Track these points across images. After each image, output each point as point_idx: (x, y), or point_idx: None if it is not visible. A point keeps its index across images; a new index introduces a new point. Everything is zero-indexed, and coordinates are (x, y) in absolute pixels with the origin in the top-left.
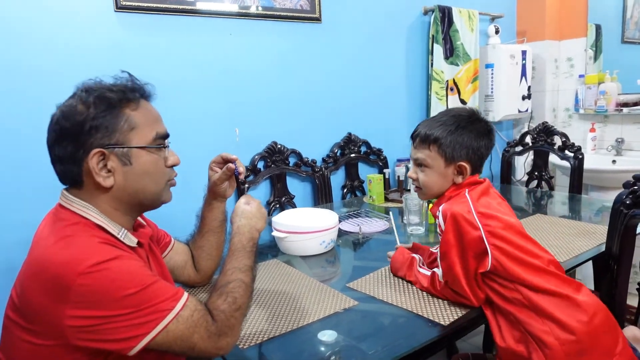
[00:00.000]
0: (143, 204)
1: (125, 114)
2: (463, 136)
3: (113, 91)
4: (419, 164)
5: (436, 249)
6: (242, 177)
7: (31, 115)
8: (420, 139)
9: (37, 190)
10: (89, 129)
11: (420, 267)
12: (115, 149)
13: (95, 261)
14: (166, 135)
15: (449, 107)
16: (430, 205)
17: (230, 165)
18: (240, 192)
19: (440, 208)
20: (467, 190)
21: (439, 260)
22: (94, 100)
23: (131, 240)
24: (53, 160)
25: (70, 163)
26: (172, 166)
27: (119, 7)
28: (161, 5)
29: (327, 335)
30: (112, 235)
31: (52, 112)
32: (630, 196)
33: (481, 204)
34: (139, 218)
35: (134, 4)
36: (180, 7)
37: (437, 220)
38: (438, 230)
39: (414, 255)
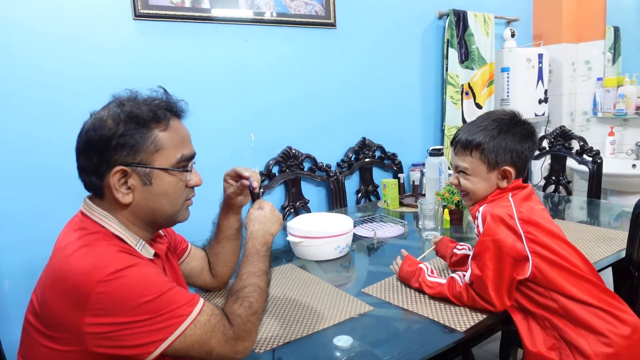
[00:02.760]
0: (158, 222)
1: (153, 135)
2: (506, 140)
3: (144, 109)
4: (460, 170)
5: (461, 249)
6: (256, 190)
7: (54, 122)
8: (461, 145)
9: (61, 195)
10: (115, 145)
11: (429, 275)
12: (138, 168)
13: (113, 269)
14: (191, 157)
15: (464, 111)
16: (447, 209)
17: (244, 181)
18: (254, 199)
19: (481, 209)
20: (510, 194)
21: (470, 260)
22: (124, 117)
23: (148, 252)
24: (78, 168)
25: (93, 175)
26: (193, 187)
27: (138, 15)
28: (178, 13)
29: (343, 341)
30: (130, 247)
31: (85, 120)
32: None
33: (524, 209)
34: None
35: (151, 12)
36: (197, 14)
37: (475, 221)
38: (476, 231)
39: (421, 265)
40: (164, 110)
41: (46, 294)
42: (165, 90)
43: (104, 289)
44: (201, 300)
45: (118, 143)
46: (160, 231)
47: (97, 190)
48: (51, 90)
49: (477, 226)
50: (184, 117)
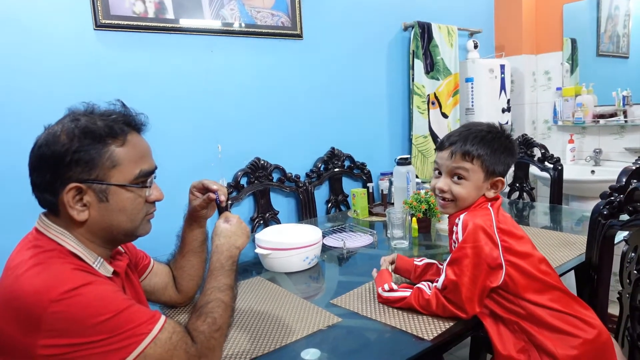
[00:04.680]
0: (117, 238)
1: (109, 150)
2: (503, 153)
3: (100, 124)
4: (456, 175)
5: (421, 261)
6: (223, 204)
7: (8, 134)
8: (462, 152)
9: (13, 212)
10: (69, 161)
11: (389, 290)
12: (93, 185)
13: (67, 288)
14: (151, 172)
15: (431, 120)
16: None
17: (211, 194)
18: (220, 212)
19: (461, 217)
20: (489, 203)
21: (445, 265)
22: (79, 133)
23: (107, 269)
24: (32, 184)
25: (46, 192)
26: (154, 202)
27: (99, 26)
28: (141, 23)
29: (311, 354)
30: (87, 264)
31: (39, 134)
32: (607, 207)
33: (500, 220)
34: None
35: (113, 22)
36: (161, 24)
37: (455, 227)
38: (454, 237)
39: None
40: (122, 125)
41: None
42: (123, 104)
43: (57, 309)
44: (162, 318)
45: (72, 159)
46: (120, 247)
47: (52, 207)
48: (4, 101)
49: (456, 233)
50: (143, 130)
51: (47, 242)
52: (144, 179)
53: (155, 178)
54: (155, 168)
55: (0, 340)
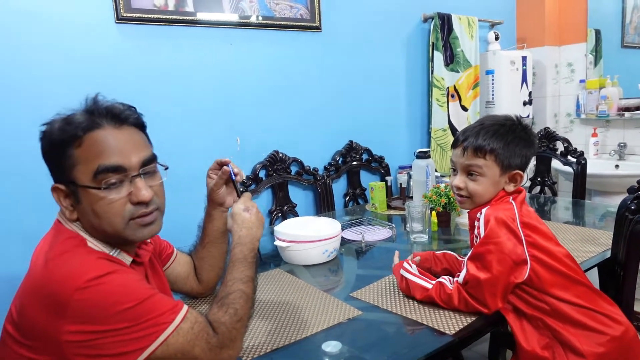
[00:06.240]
0: (110, 239)
1: (68, 152)
2: (519, 145)
3: (56, 127)
4: (470, 172)
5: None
6: (238, 178)
7: (29, 126)
8: (473, 148)
9: (40, 203)
10: (47, 164)
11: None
12: (68, 185)
13: (91, 276)
14: (115, 168)
15: (450, 113)
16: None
17: (225, 168)
18: (238, 194)
19: (483, 211)
20: (511, 197)
21: (466, 260)
22: (44, 137)
23: (125, 258)
24: None
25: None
26: (138, 203)
27: (120, 19)
28: (162, 17)
29: (332, 346)
30: (108, 253)
31: None
32: (635, 201)
33: (524, 213)
34: None
35: (134, 15)
36: (181, 17)
37: (476, 222)
38: (475, 232)
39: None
40: (86, 122)
41: (24, 302)
42: (93, 100)
43: (82, 296)
44: (184, 307)
45: (47, 161)
46: None
47: None
48: (31, 95)
49: (477, 227)
50: (125, 123)
51: (69, 233)
52: (103, 177)
53: (140, 175)
54: (124, 166)
55: (30, 326)
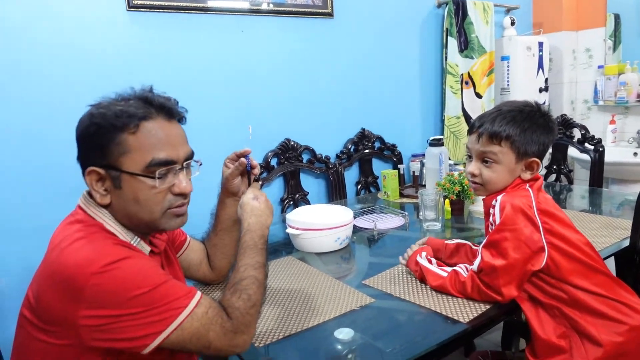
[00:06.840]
0: (140, 228)
1: (120, 138)
2: (536, 132)
3: (112, 110)
4: (485, 159)
5: (452, 241)
6: (254, 171)
7: (48, 118)
8: (489, 134)
9: (57, 191)
10: (88, 146)
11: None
12: (110, 170)
13: (107, 261)
14: (168, 162)
15: (464, 101)
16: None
17: (243, 160)
18: (250, 183)
19: (499, 198)
20: (528, 184)
21: (481, 247)
22: (95, 119)
23: (144, 248)
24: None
25: (82, 168)
26: (179, 194)
27: (131, 7)
28: (173, 4)
29: (344, 334)
30: (125, 241)
31: (74, 116)
32: None
33: (541, 200)
34: None
35: (145, 2)
36: (192, 4)
37: (492, 209)
38: (491, 219)
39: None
40: (143, 111)
41: (41, 287)
42: (149, 91)
43: (98, 281)
44: (198, 293)
45: (89, 143)
46: None
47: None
48: (43, 85)
49: (493, 215)
50: (174, 118)
51: (87, 218)
52: (156, 169)
53: (184, 168)
54: (175, 160)
55: (47, 311)
